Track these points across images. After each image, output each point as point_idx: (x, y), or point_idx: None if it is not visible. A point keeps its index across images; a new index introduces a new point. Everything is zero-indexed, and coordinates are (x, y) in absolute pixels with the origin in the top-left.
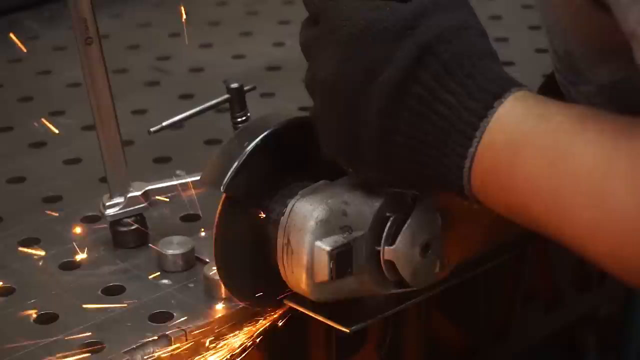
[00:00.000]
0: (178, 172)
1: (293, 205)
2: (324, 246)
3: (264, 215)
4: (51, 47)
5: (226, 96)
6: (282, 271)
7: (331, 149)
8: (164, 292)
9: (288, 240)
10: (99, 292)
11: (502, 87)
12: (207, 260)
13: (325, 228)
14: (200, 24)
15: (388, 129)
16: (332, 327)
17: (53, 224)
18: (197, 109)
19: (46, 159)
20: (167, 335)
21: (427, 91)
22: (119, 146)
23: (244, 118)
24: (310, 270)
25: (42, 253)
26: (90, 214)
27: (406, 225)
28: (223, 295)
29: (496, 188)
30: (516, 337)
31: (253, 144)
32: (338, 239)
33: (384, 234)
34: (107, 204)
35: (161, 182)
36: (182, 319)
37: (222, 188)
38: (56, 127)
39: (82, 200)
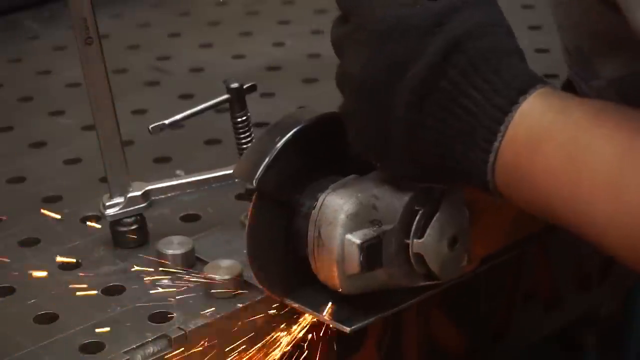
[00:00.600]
0: (178, 172)
1: (324, 199)
2: (355, 239)
3: (295, 209)
4: (51, 47)
5: (226, 96)
6: (312, 264)
7: (360, 145)
8: (164, 292)
9: (319, 233)
10: (99, 292)
11: (527, 83)
12: (207, 260)
13: (356, 221)
14: (200, 24)
15: (415, 124)
16: (332, 326)
17: (53, 224)
18: (197, 108)
19: (46, 159)
20: (167, 335)
21: (454, 86)
22: (119, 146)
23: (244, 118)
24: (341, 263)
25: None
26: (90, 214)
27: (435, 218)
28: (223, 295)
29: (518, 182)
30: (516, 337)
31: (284, 139)
32: (368, 232)
33: (413, 227)
34: (107, 204)
35: (161, 182)
36: (182, 319)
37: (254, 182)
38: (56, 127)
39: (82, 200)
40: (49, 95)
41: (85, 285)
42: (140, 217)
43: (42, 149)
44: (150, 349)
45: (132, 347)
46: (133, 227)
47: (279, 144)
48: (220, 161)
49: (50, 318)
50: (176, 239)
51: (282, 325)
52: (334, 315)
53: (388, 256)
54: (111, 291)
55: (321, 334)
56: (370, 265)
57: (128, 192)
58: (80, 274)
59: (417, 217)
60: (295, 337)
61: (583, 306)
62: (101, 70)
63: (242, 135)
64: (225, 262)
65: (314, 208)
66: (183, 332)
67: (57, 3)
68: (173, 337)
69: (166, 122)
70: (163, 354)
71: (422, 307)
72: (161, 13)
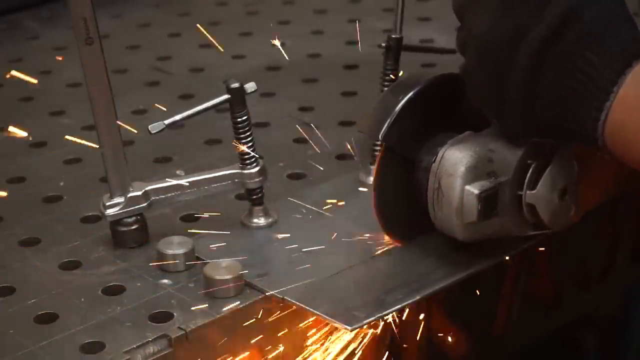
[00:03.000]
0: (178, 172)
1: (444, 153)
2: (473, 189)
3: (415, 163)
4: (51, 47)
5: (226, 96)
6: (431, 213)
7: (479, 101)
8: (164, 292)
9: (439, 184)
10: (99, 292)
11: None
12: (207, 260)
13: (474, 173)
14: (200, 24)
15: (532, 83)
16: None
17: (53, 224)
18: (197, 109)
19: (46, 159)
20: (167, 335)
21: (571, 49)
22: (119, 146)
23: (245, 117)
24: (460, 212)
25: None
26: (90, 214)
27: (547, 171)
28: (223, 295)
29: (625, 140)
30: (516, 337)
31: (407, 97)
32: (485, 183)
33: (526, 179)
34: (108, 204)
35: (161, 182)
36: (182, 319)
37: (380, 137)
38: (56, 127)
39: (82, 200)
40: (49, 95)
41: (85, 285)
42: (140, 217)
43: (42, 149)
44: (151, 349)
45: (132, 347)
46: (133, 227)
47: (402, 102)
48: (220, 161)
49: (50, 318)
50: (176, 239)
51: (283, 325)
52: (335, 313)
53: (502, 206)
54: (111, 291)
55: (321, 333)
56: (487, 214)
57: (128, 192)
58: (81, 274)
59: (530, 170)
60: (296, 337)
61: (583, 306)
62: (101, 70)
63: (242, 135)
64: (225, 262)
65: (433, 162)
66: (183, 332)
67: (57, 3)
68: (173, 337)
69: (166, 122)
70: (163, 353)
71: (423, 307)
72: (161, 13)
